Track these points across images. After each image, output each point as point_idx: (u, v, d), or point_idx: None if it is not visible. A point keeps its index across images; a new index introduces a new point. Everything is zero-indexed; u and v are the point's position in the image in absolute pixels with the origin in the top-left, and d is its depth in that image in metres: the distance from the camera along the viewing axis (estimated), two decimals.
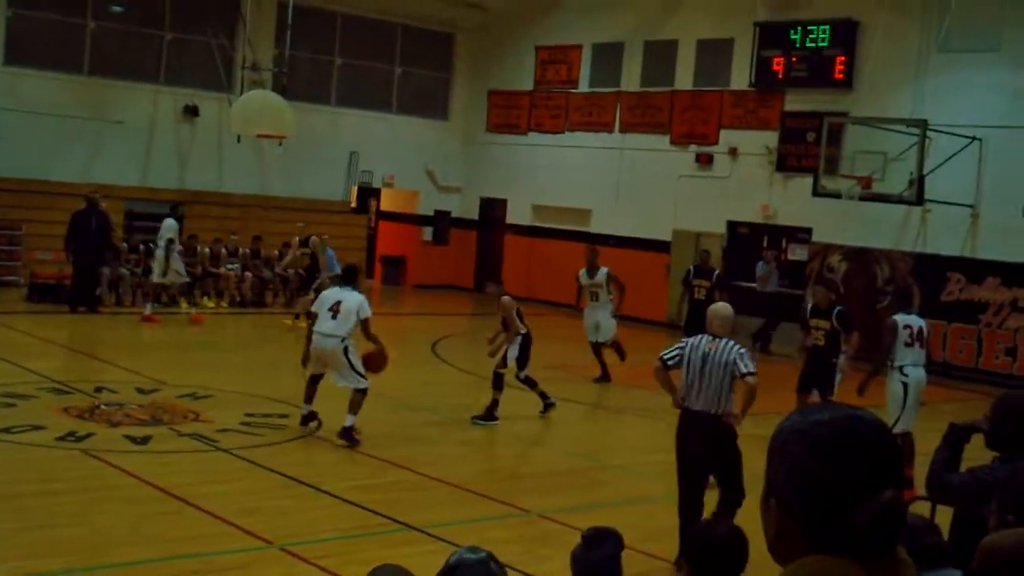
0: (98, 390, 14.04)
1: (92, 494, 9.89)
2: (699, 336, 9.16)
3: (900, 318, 12.53)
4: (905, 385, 12.30)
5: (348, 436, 12.20)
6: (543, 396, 14.86)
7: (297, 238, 22.12)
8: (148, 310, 20.41)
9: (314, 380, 12.69)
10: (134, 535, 8.85)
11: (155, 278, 20.86)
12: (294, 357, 15.71)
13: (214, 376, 15.70)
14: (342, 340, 12.16)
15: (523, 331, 14.58)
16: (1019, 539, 3.76)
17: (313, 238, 21.75)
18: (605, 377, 17.67)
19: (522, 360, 14.56)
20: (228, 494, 10.13)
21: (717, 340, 9.00)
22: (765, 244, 23.76)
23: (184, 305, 21.77)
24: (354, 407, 12.25)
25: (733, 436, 9.03)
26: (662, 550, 9.03)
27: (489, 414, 14.24)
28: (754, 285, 22.94)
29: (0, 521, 9.02)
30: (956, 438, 5.83)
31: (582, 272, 17.50)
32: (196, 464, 11.18)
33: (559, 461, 13.05)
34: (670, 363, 9.13)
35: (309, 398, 12.70)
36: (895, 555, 2.10)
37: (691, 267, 19.64)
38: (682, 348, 9.10)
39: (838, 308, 14.22)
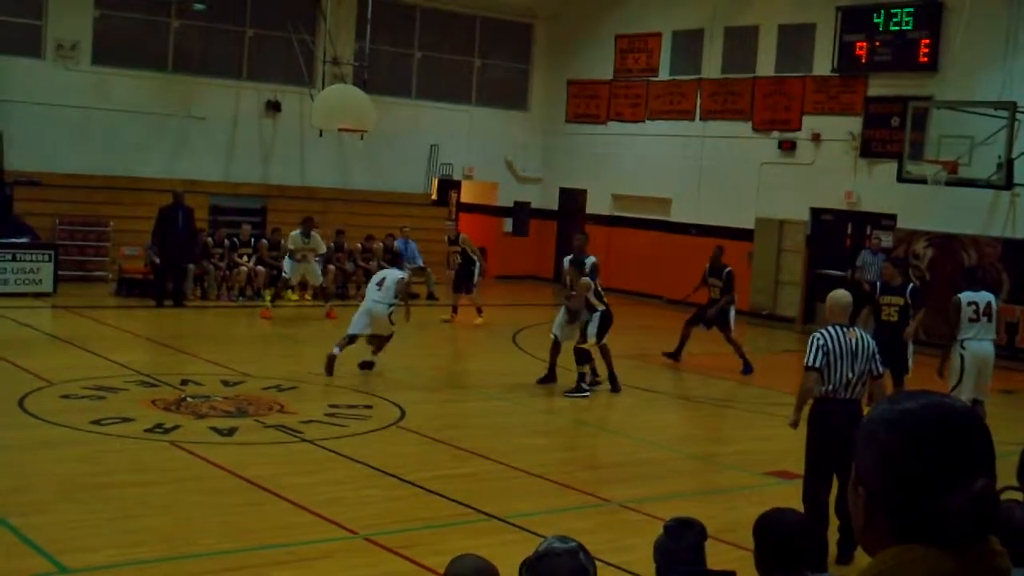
0: (184, 383, 14.25)
1: (180, 485, 10.06)
2: (830, 328, 9.04)
3: (964, 296, 13.23)
4: (963, 358, 13.03)
5: (369, 366, 15.56)
6: (582, 376, 15.11)
7: (447, 236, 22.56)
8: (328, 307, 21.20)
9: (353, 339, 15.54)
10: (221, 525, 8.99)
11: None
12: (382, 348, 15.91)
13: (298, 368, 15.87)
14: (388, 306, 15.62)
15: (600, 308, 15.08)
16: None
17: (462, 235, 22.18)
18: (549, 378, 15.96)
19: (601, 335, 15.12)
20: (313, 485, 10.23)
21: (851, 330, 9.06)
22: (868, 232, 22.90)
23: (268, 298, 22.02)
24: (379, 349, 15.72)
25: None
26: (744, 540, 8.94)
27: (578, 387, 14.98)
28: (841, 273, 22.54)
29: (93, 510, 9.19)
30: None
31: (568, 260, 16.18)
32: (281, 455, 11.31)
33: (639, 451, 13.00)
34: (822, 367, 8.92)
35: (349, 343, 15.52)
36: (988, 544, 2.04)
37: (707, 265, 18.51)
38: (822, 346, 8.93)
39: (912, 285, 14.84)
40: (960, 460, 2.02)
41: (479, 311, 21.31)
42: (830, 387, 8.91)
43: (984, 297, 13.25)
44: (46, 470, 10.34)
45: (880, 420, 2.10)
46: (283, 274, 21.48)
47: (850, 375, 8.88)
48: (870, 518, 2.10)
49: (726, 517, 9.53)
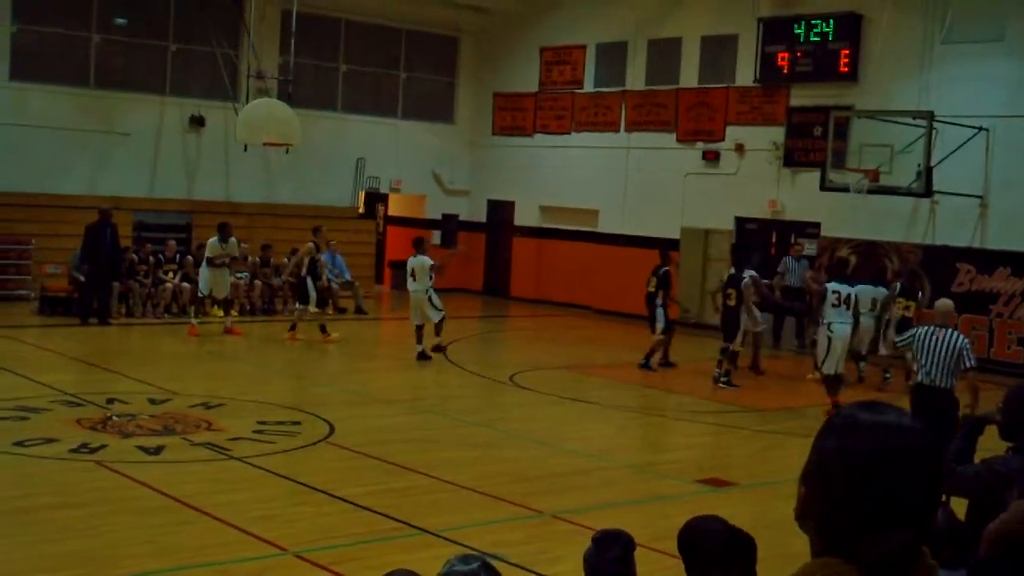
0: (110, 401, 14.05)
1: (106, 505, 9.89)
2: (923, 327, 11.32)
3: (830, 285, 15.80)
4: (830, 338, 15.54)
5: (438, 349, 18.17)
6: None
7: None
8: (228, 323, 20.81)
9: (419, 328, 18.15)
10: (148, 545, 8.85)
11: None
12: (303, 365, 15.79)
13: (225, 385, 15.72)
14: (426, 291, 18.07)
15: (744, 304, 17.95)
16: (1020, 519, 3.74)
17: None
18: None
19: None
20: (242, 502, 10.13)
21: (943, 329, 11.03)
22: (792, 240, 23.06)
23: (193, 314, 21.74)
24: (438, 331, 18.12)
25: (955, 407, 10.92)
26: (676, 549, 8.98)
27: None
28: (767, 281, 22.65)
29: (16, 534, 9.02)
30: (970, 430, 5.81)
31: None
32: (209, 473, 11.18)
33: (570, 461, 13.02)
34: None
35: (419, 340, 18.17)
36: (921, 561, 2.00)
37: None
38: (912, 334, 11.33)
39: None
40: (888, 503, 1.95)
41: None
42: (916, 376, 11.18)
43: (847, 289, 15.69)
44: None
45: (835, 426, 2.03)
46: (199, 291, 20.83)
47: (932, 363, 10.88)
48: (803, 514, 2.06)
49: (658, 526, 9.56)
